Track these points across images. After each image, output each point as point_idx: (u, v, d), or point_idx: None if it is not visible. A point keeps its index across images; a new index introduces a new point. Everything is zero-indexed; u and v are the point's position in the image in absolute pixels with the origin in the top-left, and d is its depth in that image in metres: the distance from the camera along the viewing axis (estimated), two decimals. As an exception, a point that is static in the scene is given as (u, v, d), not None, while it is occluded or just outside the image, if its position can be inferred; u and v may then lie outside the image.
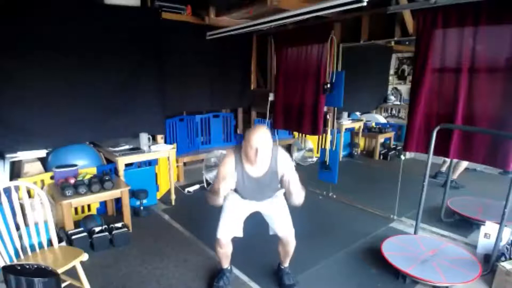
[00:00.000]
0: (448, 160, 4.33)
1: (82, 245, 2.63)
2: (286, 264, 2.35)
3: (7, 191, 2.00)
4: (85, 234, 2.77)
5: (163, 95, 3.79)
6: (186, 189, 4.20)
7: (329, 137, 4.01)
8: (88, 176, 3.10)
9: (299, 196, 1.94)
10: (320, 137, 4.85)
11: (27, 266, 1.59)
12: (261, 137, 1.83)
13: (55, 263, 1.94)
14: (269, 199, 2.16)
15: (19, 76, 2.91)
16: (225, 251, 2.22)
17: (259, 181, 1.99)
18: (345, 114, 5.67)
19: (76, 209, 3.25)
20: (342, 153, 5.73)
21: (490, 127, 2.57)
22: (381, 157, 5.86)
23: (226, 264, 2.34)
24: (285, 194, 2.08)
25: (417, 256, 2.49)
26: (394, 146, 6.07)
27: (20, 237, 2.04)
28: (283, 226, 2.15)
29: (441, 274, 2.26)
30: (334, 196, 4.00)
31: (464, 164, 4.01)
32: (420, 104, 2.88)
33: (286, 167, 1.97)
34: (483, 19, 2.47)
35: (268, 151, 1.88)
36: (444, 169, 4.51)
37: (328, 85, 3.58)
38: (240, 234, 2.19)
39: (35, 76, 2.97)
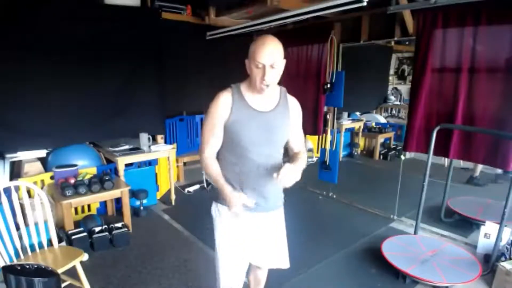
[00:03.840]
0: (479, 165, 4.12)
1: (82, 245, 2.63)
2: None
3: (7, 191, 2.00)
4: (85, 234, 2.77)
5: (163, 95, 3.79)
6: (186, 189, 4.19)
7: (329, 137, 4.02)
8: (88, 176, 3.10)
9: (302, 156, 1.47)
10: (320, 137, 4.87)
11: (27, 266, 1.59)
12: (270, 49, 1.28)
13: (55, 263, 1.94)
14: (272, 211, 1.55)
15: (19, 76, 2.90)
16: None
17: (268, 119, 1.41)
18: (345, 114, 5.68)
19: (76, 209, 3.25)
20: (342, 153, 5.73)
21: (490, 127, 2.57)
22: (381, 157, 5.86)
23: None
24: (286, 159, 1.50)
25: (417, 256, 2.49)
26: (394, 146, 6.07)
27: (20, 237, 2.04)
28: (279, 257, 1.62)
29: (441, 274, 2.26)
30: (334, 196, 4.00)
31: None
32: (420, 104, 2.89)
33: (297, 109, 1.50)
34: (483, 19, 2.48)
35: (279, 69, 1.32)
36: (477, 174, 4.37)
37: (328, 85, 3.58)
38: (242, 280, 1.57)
39: (35, 76, 2.96)
